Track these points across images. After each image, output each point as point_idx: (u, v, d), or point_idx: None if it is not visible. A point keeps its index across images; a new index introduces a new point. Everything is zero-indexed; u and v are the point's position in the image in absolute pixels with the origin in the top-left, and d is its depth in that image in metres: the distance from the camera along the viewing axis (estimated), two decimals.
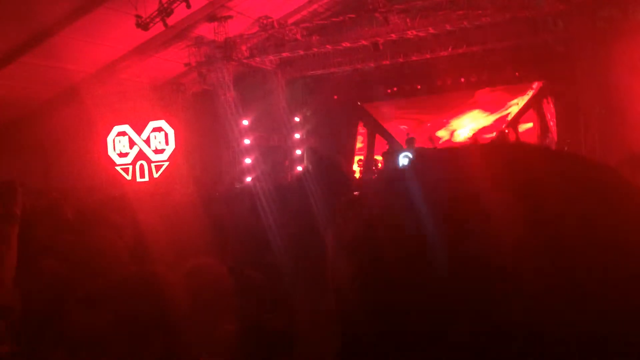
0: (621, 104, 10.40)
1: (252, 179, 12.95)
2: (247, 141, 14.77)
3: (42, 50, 11.32)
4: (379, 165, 17.87)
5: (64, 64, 12.08)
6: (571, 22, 12.10)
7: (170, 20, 11.81)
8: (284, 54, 14.69)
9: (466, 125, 18.62)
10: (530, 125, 17.71)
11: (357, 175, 17.88)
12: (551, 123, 15.94)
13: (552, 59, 14.15)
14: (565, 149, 13.52)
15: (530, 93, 17.19)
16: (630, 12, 11.83)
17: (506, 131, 15.89)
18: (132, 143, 13.74)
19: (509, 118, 18.24)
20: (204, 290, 1.91)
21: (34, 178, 13.50)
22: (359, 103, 18.37)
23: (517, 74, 15.75)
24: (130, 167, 13.64)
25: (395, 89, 17.19)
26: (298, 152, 16.43)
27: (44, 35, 11.14)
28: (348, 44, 13.75)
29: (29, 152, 14.14)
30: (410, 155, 15.16)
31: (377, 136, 19.34)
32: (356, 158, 19.13)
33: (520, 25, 13.04)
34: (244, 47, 14.61)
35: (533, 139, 17.14)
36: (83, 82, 12.94)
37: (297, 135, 16.49)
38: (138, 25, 11.57)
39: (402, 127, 18.61)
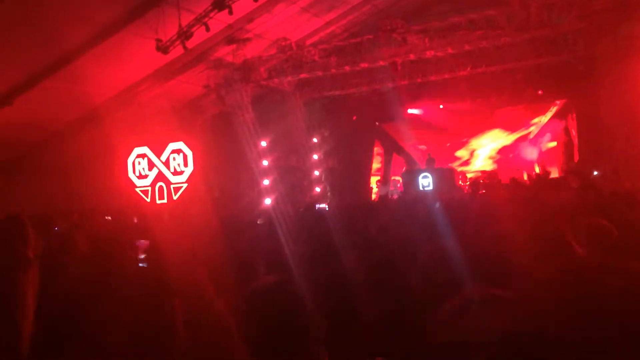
0: None
1: (272, 206, 12.94)
2: (265, 162, 14.76)
3: (64, 73, 11.49)
4: (398, 185, 17.74)
5: (85, 87, 12.21)
6: (592, 40, 11.84)
7: (190, 44, 11.91)
8: (302, 75, 14.71)
9: (486, 145, 18.42)
10: (554, 144, 17.47)
11: (373, 195, 17.78)
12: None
13: (574, 78, 13.87)
14: (589, 172, 13.24)
15: (553, 110, 16.95)
16: None
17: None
18: (151, 165, 13.79)
19: (531, 137, 18.00)
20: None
21: (57, 200, 13.67)
22: (377, 123, 18.30)
23: (538, 92, 15.47)
24: (150, 189, 13.67)
25: (413, 109, 17.11)
26: (316, 172, 16.37)
27: (66, 60, 11.31)
28: (366, 65, 13.70)
29: (52, 174, 14.30)
30: (429, 175, 15.00)
31: (395, 156, 19.25)
32: (374, 178, 19.03)
33: (540, 45, 12.84)
34: (262, 69, 14.68)
35: (558, 158, 16.87)
36: (104, 104, 13.09)
37: (315, 156, 16.45)
38: (158, 48, 11.68)
39: (421, 147, 18.49)
